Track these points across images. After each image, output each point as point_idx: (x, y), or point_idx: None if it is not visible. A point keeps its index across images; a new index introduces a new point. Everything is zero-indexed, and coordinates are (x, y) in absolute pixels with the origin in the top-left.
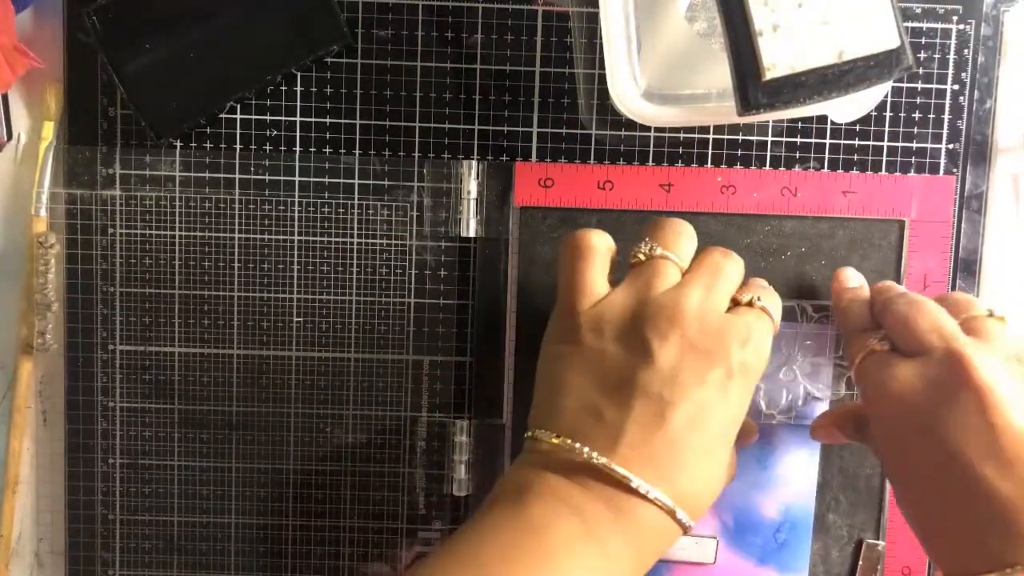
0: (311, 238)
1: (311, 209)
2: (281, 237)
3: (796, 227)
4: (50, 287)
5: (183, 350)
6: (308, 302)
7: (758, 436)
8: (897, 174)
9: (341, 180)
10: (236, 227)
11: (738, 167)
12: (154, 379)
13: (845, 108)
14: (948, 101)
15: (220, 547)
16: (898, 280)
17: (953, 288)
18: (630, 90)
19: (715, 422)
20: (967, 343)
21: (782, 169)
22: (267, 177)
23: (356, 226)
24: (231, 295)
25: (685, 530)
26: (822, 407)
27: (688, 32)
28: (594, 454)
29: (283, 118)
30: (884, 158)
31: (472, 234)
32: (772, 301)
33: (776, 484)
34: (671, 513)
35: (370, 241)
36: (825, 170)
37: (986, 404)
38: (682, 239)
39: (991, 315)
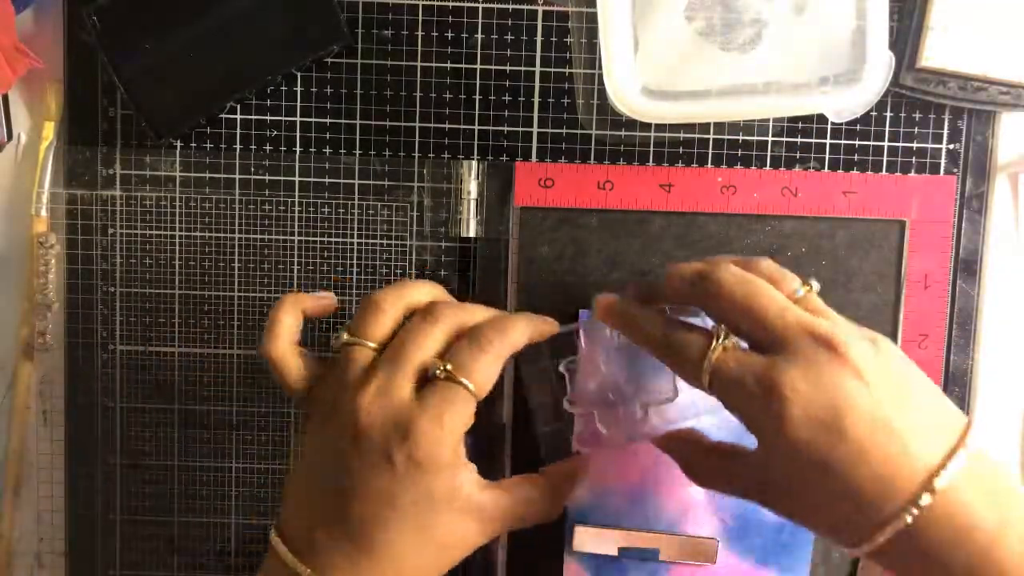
0: (311, 238)
1: (311, 209)
2: (281, 237)
3: (796, 227)
4: (50, 287)
5: (183, 350)
6: None
7: (583, 469)
8: (897, 174)
9: (341, 180)
10: (236, 227)
11: (738, 167)
12: (154, 379)
13: (842, 108)
14: (948, 101)
15: (220, 547)
16: (898, 280)
17: (954, 290)
18: (627, 86)
19: (397, 507)
20: (828, 326)
21: (782, 169)
22: (267, 177)
23: (356, 226)
24: (231, 295)
25: None
26: (661, 412)
27: (687, 30)
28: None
29: (283, 118)
30: (884, 158)
31: (472, 234)
32: (479, 360)
33: None
34: None
35: (370, 241)
36: (825, 170)
37: (866, 382)
38: (375, 316)
39: (808, 288)
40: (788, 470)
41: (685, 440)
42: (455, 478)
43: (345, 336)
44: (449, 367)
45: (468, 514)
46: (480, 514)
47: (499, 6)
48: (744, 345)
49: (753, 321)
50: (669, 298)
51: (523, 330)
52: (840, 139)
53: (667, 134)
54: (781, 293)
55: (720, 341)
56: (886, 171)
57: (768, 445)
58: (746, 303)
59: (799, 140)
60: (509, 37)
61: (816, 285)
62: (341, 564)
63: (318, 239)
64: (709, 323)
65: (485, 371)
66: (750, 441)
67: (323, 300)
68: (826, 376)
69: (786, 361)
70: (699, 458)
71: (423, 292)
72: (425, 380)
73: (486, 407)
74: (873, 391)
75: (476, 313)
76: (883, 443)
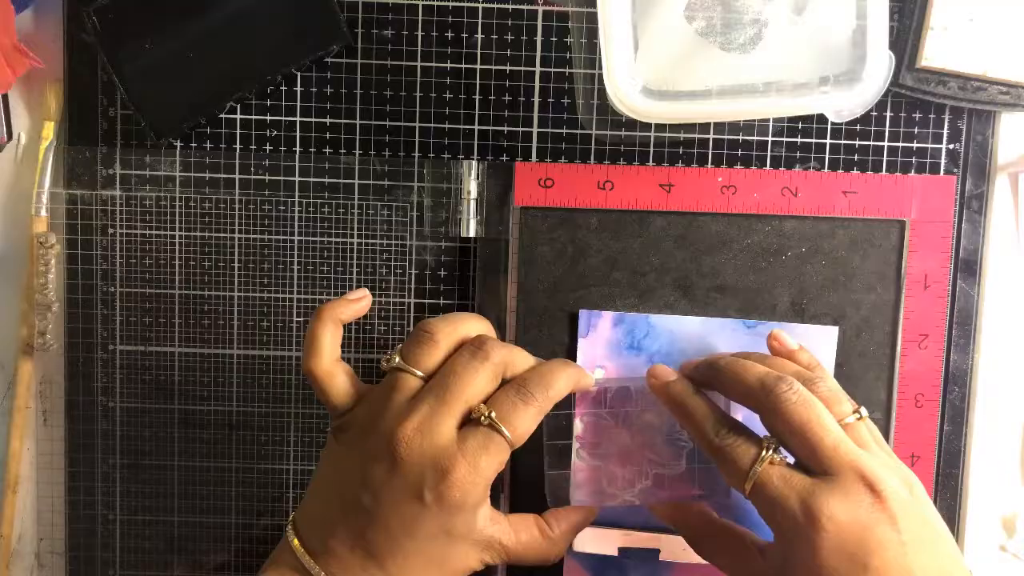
0: (311, 238)
1: (311, 209)
2: (281, 237)
3: (796, 227)
4: (50, 287)
5: (183, 350)
6: (308, 302)
7: (595, 516)
8: (897, 174)
9: (341, 180)
10: (236, 227)
11: (738, 167)
12: (154, 379)
13: (842, 108)
14: (948, 101)
15: (220, 547)
16: (898, 280)
17: (954, 290)
18: (627, 86)
19: (415, 535)
20: (875, 468)
21: (782, 169)
22: (267, 177)
23: (356, 226)
24: (231, 295)
25: None
26: (669, 481)
27: (687, 31)
28: (314, 566)
29: (283, 118)
30: (884, 158)
31: (472, 234)
32: (520, 412)
33: None
34: None
35: (370, 241)
36: (825, 170)
37: (899, 527)
38: (429, 347)
39: (859, 416)
40: None
41: (694, 516)
42: (476, 515)
43: (397, 360)
44: (493, 415)
45: (477, 545)
46: (488, 546)
47: (499, 6)
48: (790, 459)
49: (806, 446)
50: (727, 393)
51: (565, 383)
52: (840, 139)
53: (667, 134)
54: (835, 421)
55: (768, 454)
56: (886, 171)
57: (792, 559)
58: (803, 428)
59: (799, 140)
60: (509, 37)
61: (865, 413)
62: (354, 573)
63: (318, 239)
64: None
65: (525, 424)
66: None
67: (358, 303)
68: (864, 515)
69: (830, 491)
70: (708, 535)
71: (474, 326)
72: (467, 419)
73: None
74: (903, 537)
75: (520, 356)
76: None
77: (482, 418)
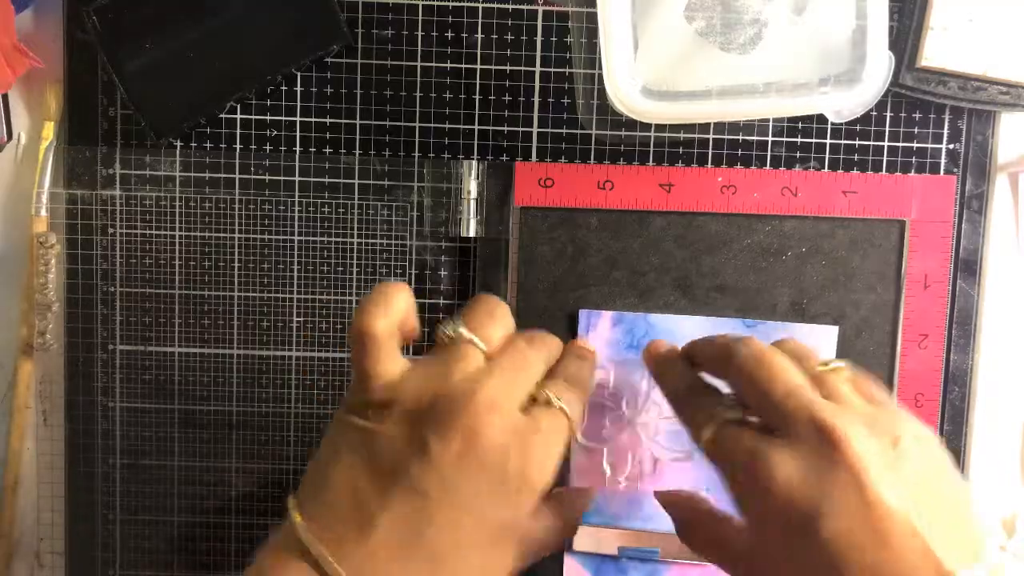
0: (311, 238)
1: (311, 209)
2: (281, 237)
3: (796, 227)
4: (50, 287)
5: (183, 350)
6: (308, 302)
7: (593, 499)
8: (897, 174)
9: (341, 180)
10: (236, 227)
11: (738, 167)
12: (154, 379)
13: (841, 108)
14: (948, 101)
15: (220, 547)
16: (898, 280)
17: (954, 290)
18: (627, 86)
19: (483, 525)
20: (834, 414)
21: (782, 169)
22: (267, 177)
23: (356, 226)
24: (231, 295)
25: None
26: (673, 469)
27: (687, 31)
28: (333, 563)
29: (283, 118)
30: (884, 158)
31: (472, 234)
32: (573, 398)
33: None
34: None
35: (370, 241)
36: (825, 170)
37: (862, 483)
38: (493, 321)
39: (826, 365)
40: (770, 556)
41: (686, 501)
42: (537, 501)
43: (464, 331)
44: (560, 399)
45: (528, 536)
46: (530, 540)
47: (499, 6)
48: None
49: (760, 399)
50: (701, 365)
51: (592, 370)
52: (840, 139)
53: (667, 134)
54: (799, 372)
55: (720, 411)
56: (886, 171)
57: (752, 526)
58: (755, 379)
59: (799, 140)
60: (509, 37)
61: (842, 365)
62: (390, 567)
63: (318, 239)
64: None
65: (578, 411)
66: None
67: (414, 323)
68: (816, 469)
69: (781, 444)
70: (695, 521)
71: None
72: (529, 404)
73: None
74: (869, 493)
75: (557, 345)
76: (867, 550)
77: (552, 401)
